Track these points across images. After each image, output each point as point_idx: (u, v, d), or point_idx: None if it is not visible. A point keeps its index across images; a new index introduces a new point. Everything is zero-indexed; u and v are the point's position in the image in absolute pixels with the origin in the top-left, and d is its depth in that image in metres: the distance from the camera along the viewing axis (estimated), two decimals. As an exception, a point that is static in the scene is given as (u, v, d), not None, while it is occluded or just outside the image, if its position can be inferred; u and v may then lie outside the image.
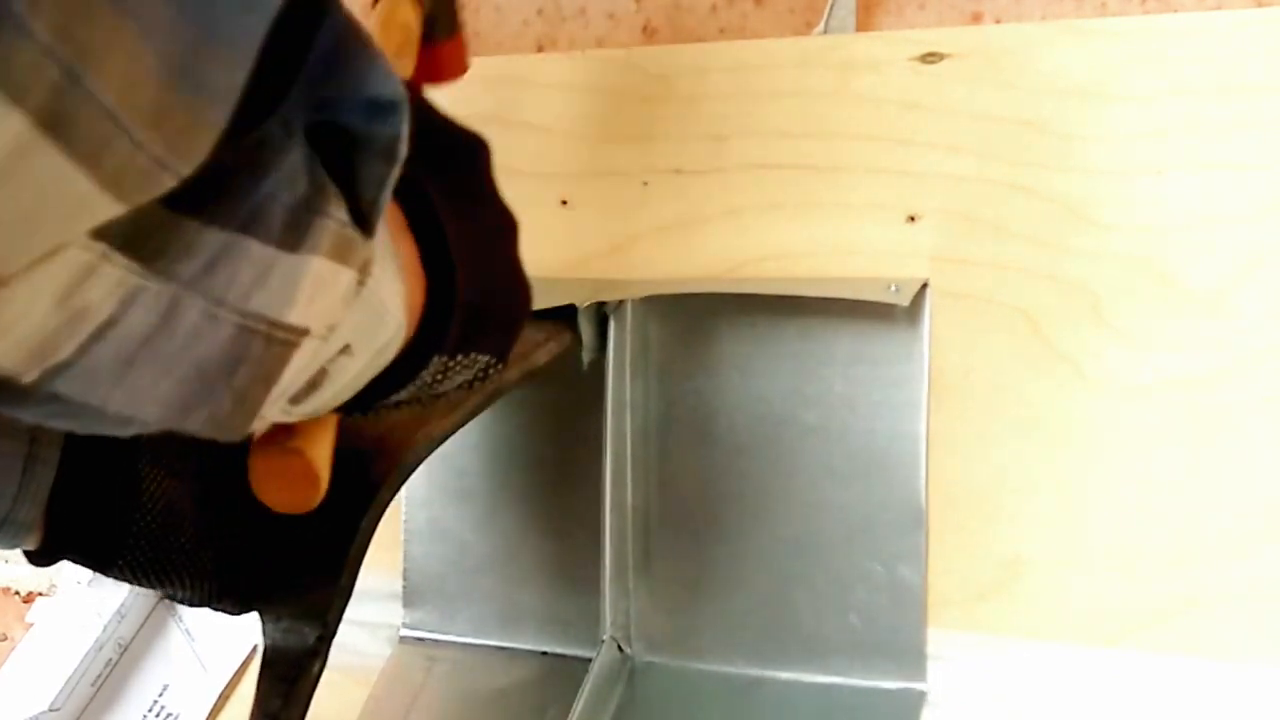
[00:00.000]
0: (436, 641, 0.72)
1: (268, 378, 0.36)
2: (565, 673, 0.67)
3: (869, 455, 0.65)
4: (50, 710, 0.73)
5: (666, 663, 0.67)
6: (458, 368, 0.48)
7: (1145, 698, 0.60)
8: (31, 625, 0.78)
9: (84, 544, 0.54)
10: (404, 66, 0.59)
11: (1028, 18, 0.73)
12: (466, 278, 0.45)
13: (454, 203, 0.46)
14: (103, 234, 0.27)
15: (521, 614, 0.70)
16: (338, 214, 0.35)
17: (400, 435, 0.58)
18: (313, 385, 0.40)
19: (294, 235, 0.33)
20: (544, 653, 0.68)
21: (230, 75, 0.27)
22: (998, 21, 0.72)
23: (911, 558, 0.63)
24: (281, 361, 0.36)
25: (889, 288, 0.65)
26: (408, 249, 0.44)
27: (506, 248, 0.50)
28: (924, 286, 0.66)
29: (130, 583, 0.56)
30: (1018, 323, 0.66)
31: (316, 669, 0.56)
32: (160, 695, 0.74)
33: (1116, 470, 0.63)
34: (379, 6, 0.59)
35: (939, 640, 0.64)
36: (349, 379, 0.42)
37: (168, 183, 0.27)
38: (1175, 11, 0.68)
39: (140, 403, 0.32)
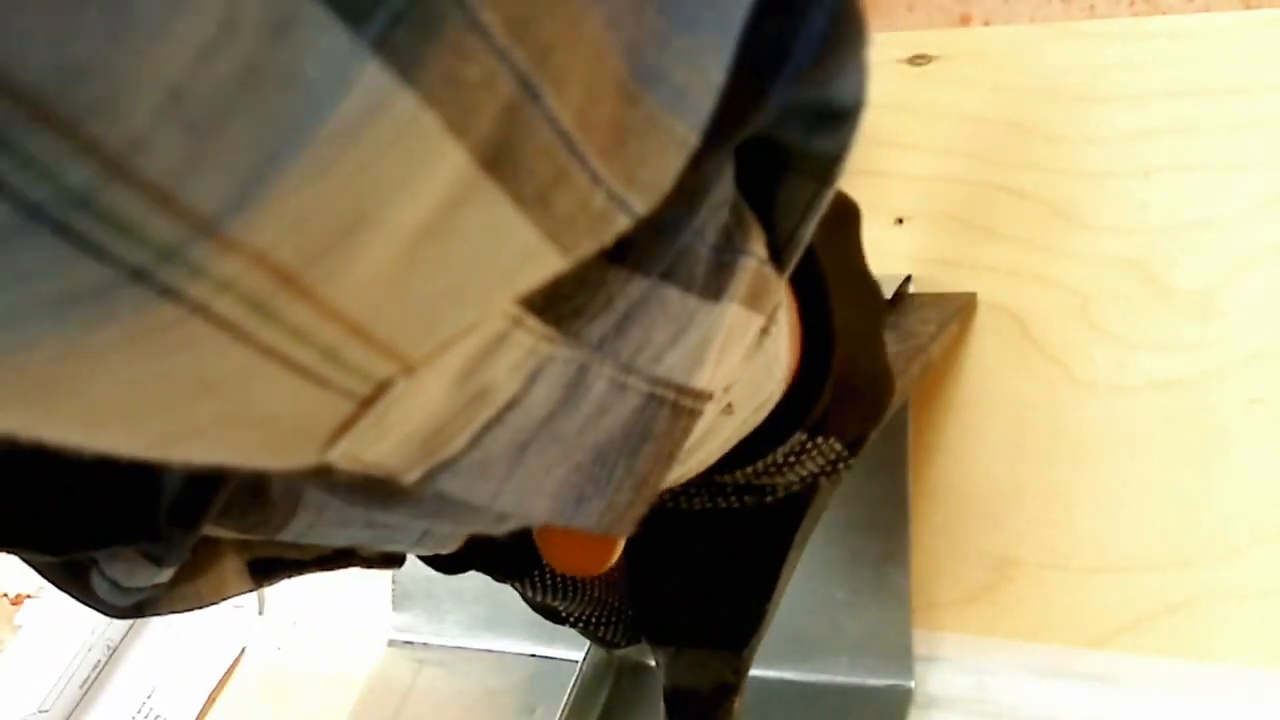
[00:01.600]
0: (425, 645, 0.72)
1: (669, 457, 0.29)
2: (553, 674, 0.67)
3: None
4: (39, 712, 0.73)
5: (654, 664, 0.67)
6: (813, 451, 0.41)
7: (1133, 699, 0.60)
8: (20, 628, 0.78)
9: (512, 539, 0.46)
10: None
11: (1016, 20, 0.73)
12: (843, 347, 0.38)
13: (836, 261, 0.39)
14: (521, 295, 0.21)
15: (509, 616, 0.70)
16: (758, 249, 0.28)
17: None
18: (683, 455, 0.33)
19: (717, 280, 0.26)
20: (532, 654, 0.68)
21: (704, 75, 0.20)
22: (986, 24, 0.72)
23: (897, 556, 0.63)
24: (684, 436, 0.29)
25: None
26: (788, 299, 0.36)
27: (877, 328, 0.43)
28: (907, 279, 0.66)
29: (535, 594, 0.50)
30: (1005, 324, 0.66)
31: (737, 706, 0.48)
32: (148, 698, 0.74)
33: (1105, 471, 0.63)
34: None
35: (927, 641, 0.64)
36: (719, 444, 0.35)
37: (621, 225, 0.20)
38: (1163, 14, 0.68)
39: (529, 497, 0.26)
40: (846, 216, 0.43)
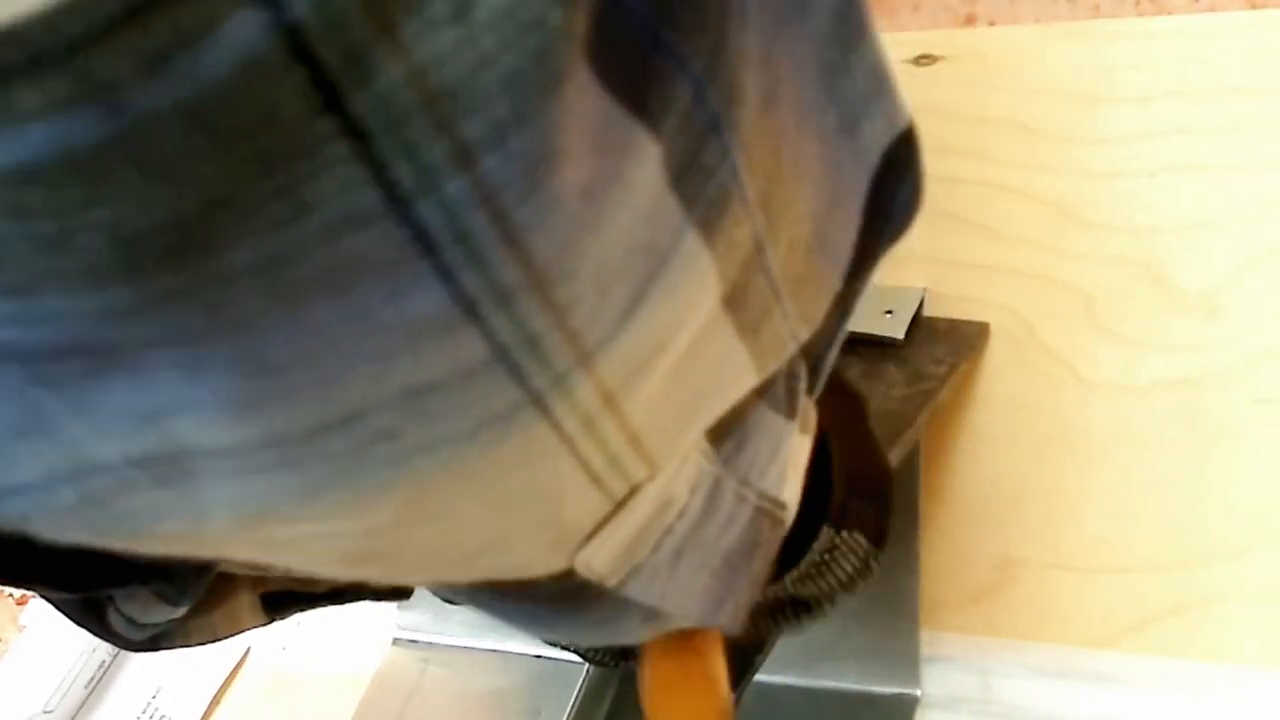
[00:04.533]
0: (430, 644, 0.72)
1: (769, 562, 0.32)
2: (559, 675, 0.67)
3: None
4: (43, 712, 0.73)
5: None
6: (843, 548, 0.44)
7: (1138, 700, 0.60)
8: (25, 628, 0.78)
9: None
10: None
11: (1022, 20, 0.72)
12: (840, 444, 0.42)
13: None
14: None
15: (515, 617, 0.70)
16: (804, 375, 0.31)
17: None
18: None
19: (790, 402, 0.30)
20: (537, 655, 0.68)
21: (846, 234, 0.25)
22: (991, 24, 0.72)
23: (906, 564, 0.63)
24: (777, 545, 0.32)
25: (883, 314, 0.65)
26: None
27: (864, 421, 0.47)
28: (921, 302, 0.66)
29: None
30: (1011, 324, 0.66)
31: None
32: (154, 698, 0.74)
33: (1110, 472, 0.63)
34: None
35: (932, 642, 0.64)
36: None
37: (790, 352, 0.26)
38: (1168, 14, 0.68)
39: (686, 599, 0.29)
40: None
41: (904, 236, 0.28)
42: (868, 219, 0.26)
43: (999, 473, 0.65)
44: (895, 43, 0.69)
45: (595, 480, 0.21)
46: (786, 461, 0.30)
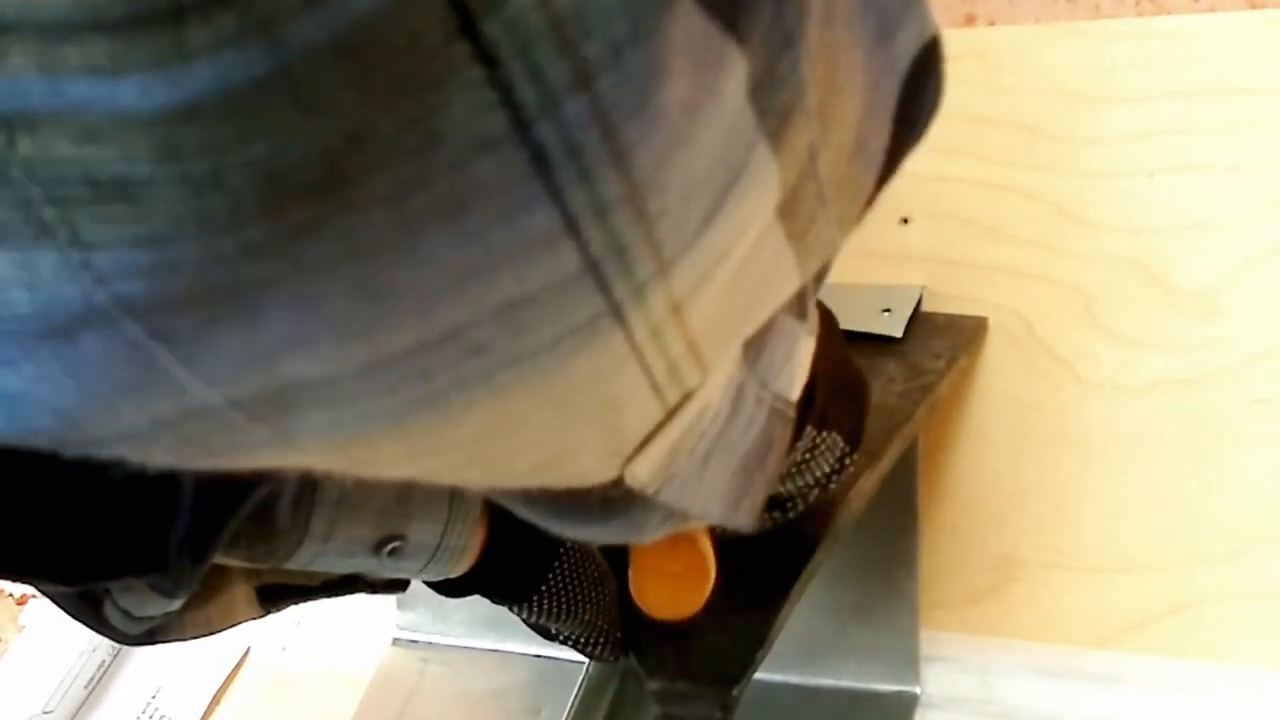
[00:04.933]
0: (430, 644, 0.72)
1: (781, 461, 0.33)
2: (559, 675, 0.67)
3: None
4: (43, 713, 0.73)
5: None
6: (822, 447, 0.46)
7: (1137, 700, 0.60)
8: (24, 628, 0.78)
9: (513, 568, 0.49)
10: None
11: (1021, 20, 0.73)
12: (820, 354, 0.43)
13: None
14: None
15: (514, 617, 0.70)
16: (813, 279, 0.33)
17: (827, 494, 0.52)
18: None
19: (801, 305, 0.31)
20: (537, 655, 0.68)
21: (880, 139, 0.26)
22: (991, 24, 0.72)
23: (905, 562, 0.63)
24: (786, 444, 0.33)
25: (881, 312, 0.65)
26: None
27: (836, 328, 0.48)
28: (920, 299, 0.66)
29: (531, 616, 0.52)
30: (1010, 324, 0.66)
31: None
32: (153, 698, 0.74)
33: (1109, 471, 0.63)
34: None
35: (932, 641, 0.64)
36: None
37: (828, 255, 0.26)
38: (1168, 14, 0.68)
39: (710, 501, 0.30)
40: None
41: (924, 138, 0.29)
42: (896, 123, 0.26)
43: (999, 472, 0.65)
44: (895, 43, 0.69)
45: (655, 389, 0.22)
46: (800, 362, 0.32)
